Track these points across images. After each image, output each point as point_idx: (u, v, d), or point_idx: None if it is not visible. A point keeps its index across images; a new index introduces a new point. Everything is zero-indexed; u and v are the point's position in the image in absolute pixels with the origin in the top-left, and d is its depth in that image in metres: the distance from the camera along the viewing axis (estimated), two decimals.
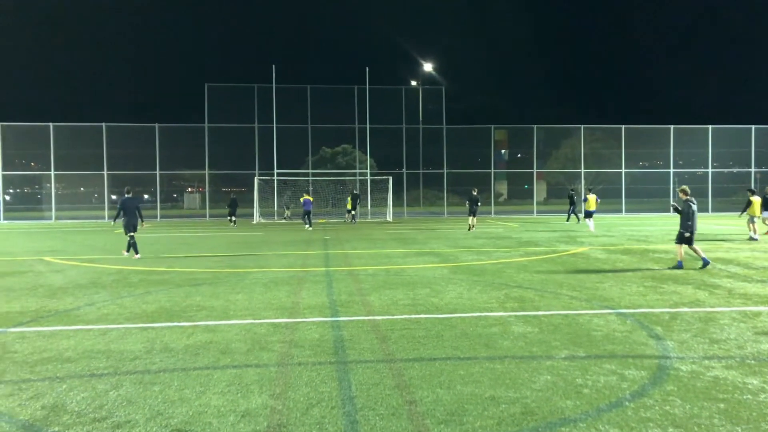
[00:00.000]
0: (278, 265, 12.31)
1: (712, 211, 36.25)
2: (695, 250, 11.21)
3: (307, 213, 23.83)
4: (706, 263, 11.09)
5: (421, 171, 37.92)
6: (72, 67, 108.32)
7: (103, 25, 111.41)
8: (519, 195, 44.30)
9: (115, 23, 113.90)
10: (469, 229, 22.38)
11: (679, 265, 11.08)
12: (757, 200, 17.75)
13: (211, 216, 35.15)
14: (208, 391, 4.50)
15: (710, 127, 36.67)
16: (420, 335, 6.16)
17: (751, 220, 17.50)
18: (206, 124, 34.46)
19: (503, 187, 45.23)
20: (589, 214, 22.29)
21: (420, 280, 10.01)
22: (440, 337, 6.07)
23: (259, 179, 32.30)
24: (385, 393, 4.44)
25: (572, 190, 29.85)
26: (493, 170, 37.33)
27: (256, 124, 35.15)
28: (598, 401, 4.24)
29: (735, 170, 38.58)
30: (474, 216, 22.78)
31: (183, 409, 4.15)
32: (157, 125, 33.92)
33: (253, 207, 31.81)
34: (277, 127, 32.99)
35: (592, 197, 22.39)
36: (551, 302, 7.93)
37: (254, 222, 30.32)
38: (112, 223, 15.69)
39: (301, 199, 24.92)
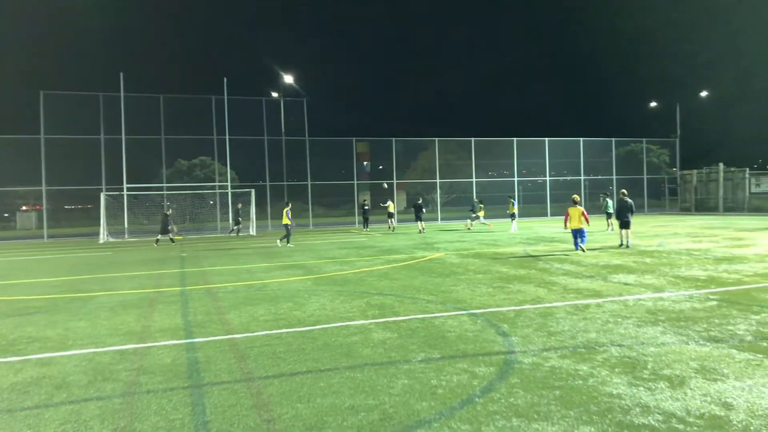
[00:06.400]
0: (127, 286, 11.41)
1: (551, 215, 40.08)
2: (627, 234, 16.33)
3: None
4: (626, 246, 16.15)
5: (285, 183, 37.43)
6: None
7: None
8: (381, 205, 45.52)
9: None
10: (419, 232, 26.78)
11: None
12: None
13: (50, 236, 31.68)
14: None
15: (546, 139, 40.60)
16: (281, 350, 6.04)
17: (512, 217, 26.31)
18: (42, 136, 31.05)
19: (366, 197, 46.25)
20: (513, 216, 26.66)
21: (283, 293, 9.85)
22: (302, 351, 6.00)
23: (107, 195, 29.75)
24: (242, 414, 4.28)
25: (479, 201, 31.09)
26: (356, 182, 38.00)
27: (102, 136, 32.38)
28: (452, 400, 4.46)
29: (569, 178, 43.06)
30: (421, 221, 27.39)
31: None
32: None
33: (99, 225, 29.19)
34: (126, 138, 30.65)
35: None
36: (410, 307, 8.22)
37: (101, 241, 27.79)
38: None
39: None
